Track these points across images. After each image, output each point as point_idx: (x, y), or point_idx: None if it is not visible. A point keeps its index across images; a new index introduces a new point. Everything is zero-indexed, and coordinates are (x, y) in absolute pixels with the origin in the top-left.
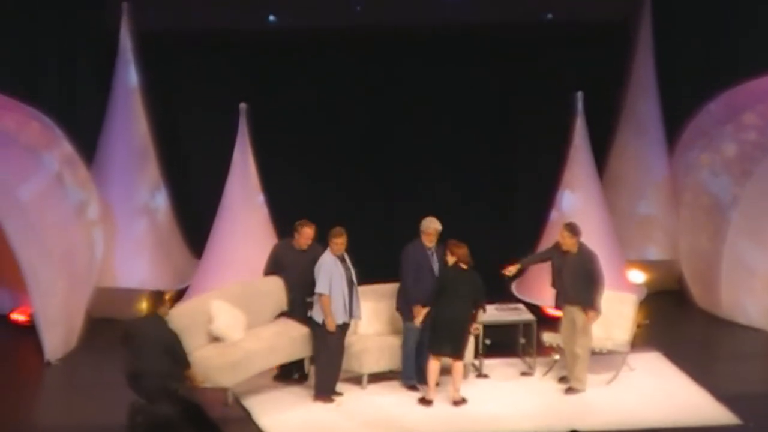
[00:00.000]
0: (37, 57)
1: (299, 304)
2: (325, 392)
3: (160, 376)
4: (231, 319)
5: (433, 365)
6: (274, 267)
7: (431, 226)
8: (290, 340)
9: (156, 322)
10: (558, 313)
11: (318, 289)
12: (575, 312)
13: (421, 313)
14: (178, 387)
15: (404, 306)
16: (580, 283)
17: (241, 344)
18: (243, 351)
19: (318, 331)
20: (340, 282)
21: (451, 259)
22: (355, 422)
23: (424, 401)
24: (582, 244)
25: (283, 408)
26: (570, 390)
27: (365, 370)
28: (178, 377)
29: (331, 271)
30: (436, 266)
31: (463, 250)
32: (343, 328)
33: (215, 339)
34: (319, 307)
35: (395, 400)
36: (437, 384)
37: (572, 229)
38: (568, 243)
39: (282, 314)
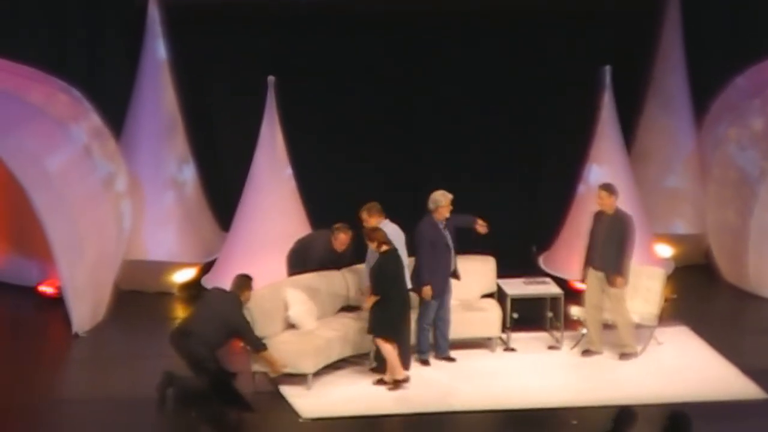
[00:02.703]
0: (66, 29)
1: None
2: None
3: (207, 345)
4: (305, 307)
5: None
6: (314, 257)
7: (444, 199)
8: (362, 330)
9: (231, 300)
10: (582, 286)
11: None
12: (604, 279)
13: (428, 292)
14: (215, 365)
15: (420, 283)
16: (610, 247)
17: (318, 332)
18: (323, 338)
19: None
20: None
21: (372, 246)
22: (379, 399)
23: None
24: (619, 207)
25: (310, 386)
26: (623, 355)
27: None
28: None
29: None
30: (450, 239)
31: (377, 233)
32: None
33: (290, 326)
34: None
35: (414, 374)
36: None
37: (609, 188)
38: (606, 203)
39: (343, 309)
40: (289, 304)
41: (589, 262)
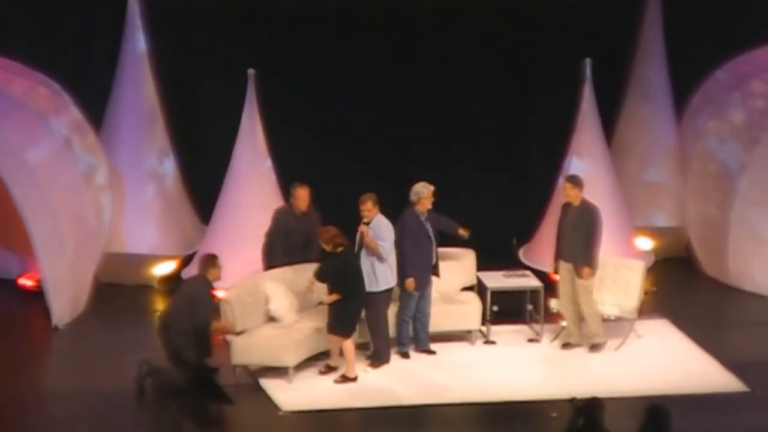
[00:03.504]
0: (46, 23)
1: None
2: (383, 357)
3: (185, 334)
4: (286, 301)
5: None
6: (281, 232)
7: (426, 191)
8: None
9: (198, 282)
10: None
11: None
12: (572, 270)
13: (411, 284)
14: (193, 354)
15: (403, 275)
16: (577, 238)
17: (298, 325)
18: (303, 332)
19: (375, 299)
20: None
21: (328, 247)
22: (359, 392)
23: (345, 378)
24: (585, 198)
25: (291, 379)
26: (593, 347)
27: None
28: (196, 340)
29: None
30: (431, 232)
31: (330, 233)
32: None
33: (271, 319)
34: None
35: (394, 367)
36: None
37: (573, 180)
38: (571, 195)
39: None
40: (270, 298)
41: (559, 254)
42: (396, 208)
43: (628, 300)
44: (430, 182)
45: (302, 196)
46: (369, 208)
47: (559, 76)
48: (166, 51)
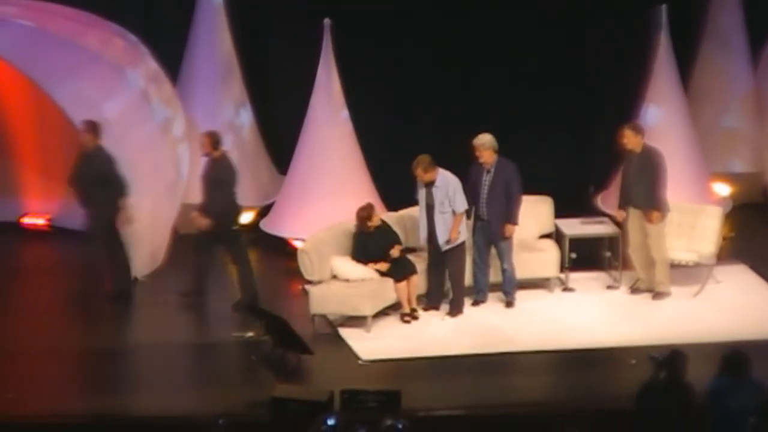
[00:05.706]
0: None
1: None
2: (461, 307)
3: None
4: (355, 271)
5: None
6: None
7: (475, 142)
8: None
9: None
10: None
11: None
12: (641, 216)
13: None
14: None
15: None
16: (642, 185)
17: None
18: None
19: (455, 252)
20: None
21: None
22: (437, 340)
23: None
24: (646, 143)
25: (369, 328)
26: (657, 295)
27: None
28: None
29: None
30: (487, 183)
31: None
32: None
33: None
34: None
35: (472, 316)
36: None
37: (635, 127)
38: (633, 142)
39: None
40: (339, 274)
41: (625, 202)
42: (465, 161)
43: (706, 246)
44: (505, 133)
45: (203, 142)
46: (420, 174)
47: (634, 22)
48: (242, 1)
